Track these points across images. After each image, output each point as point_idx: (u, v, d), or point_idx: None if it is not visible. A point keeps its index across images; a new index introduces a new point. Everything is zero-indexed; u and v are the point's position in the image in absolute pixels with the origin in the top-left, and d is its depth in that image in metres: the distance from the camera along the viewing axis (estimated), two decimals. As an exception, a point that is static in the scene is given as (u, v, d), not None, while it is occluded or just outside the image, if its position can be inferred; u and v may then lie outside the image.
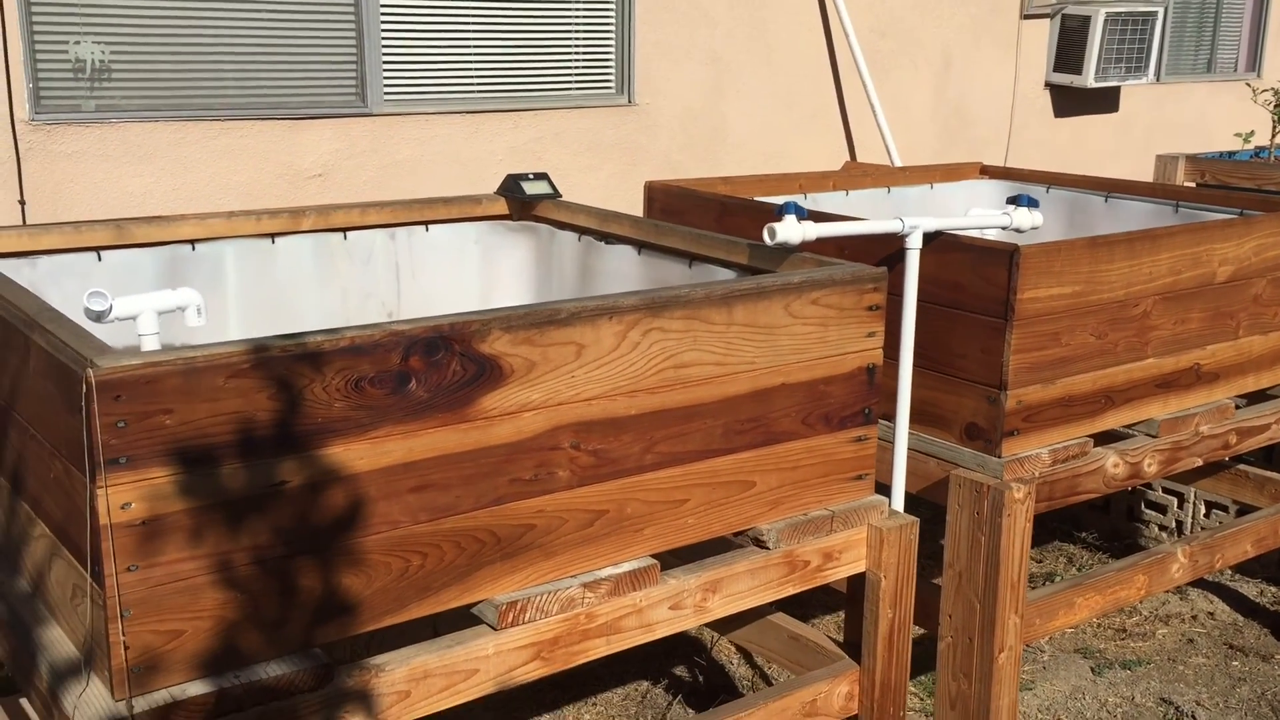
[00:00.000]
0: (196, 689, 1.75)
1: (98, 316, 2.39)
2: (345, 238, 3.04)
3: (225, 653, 1.79)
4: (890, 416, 2.76)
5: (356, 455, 1.84)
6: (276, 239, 2.94)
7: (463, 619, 2.07)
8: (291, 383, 1.76)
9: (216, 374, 1.70)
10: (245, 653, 1.81)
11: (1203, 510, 4.36)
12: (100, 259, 2.71)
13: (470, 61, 4.43)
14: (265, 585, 1.80)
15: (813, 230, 2.52)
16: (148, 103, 3.79)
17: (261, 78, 3.99)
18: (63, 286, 2.63)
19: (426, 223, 3.17)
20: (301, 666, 1.83)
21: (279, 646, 1.83)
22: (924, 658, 3.28)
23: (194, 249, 2.83)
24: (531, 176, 3.23)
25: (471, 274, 3.25)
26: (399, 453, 1.88)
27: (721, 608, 2.32)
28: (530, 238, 3.23)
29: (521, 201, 3.25)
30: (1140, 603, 4.05)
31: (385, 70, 4.21)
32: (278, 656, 1.84)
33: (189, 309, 2.57)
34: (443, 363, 1.89)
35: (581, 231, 3.06)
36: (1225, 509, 4.26)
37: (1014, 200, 2.90)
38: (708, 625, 3.42)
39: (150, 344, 2.33)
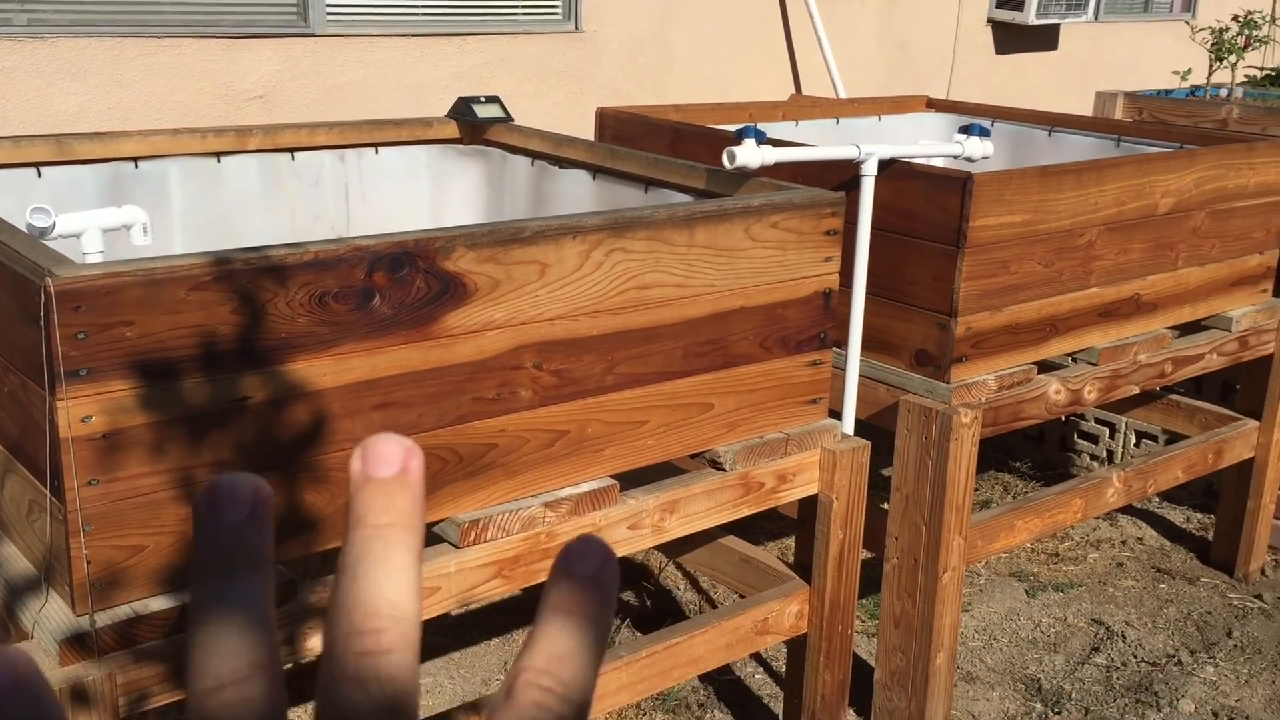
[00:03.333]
0: (159, 604, 1.74)
1: (40, 234, 2.32)
2: (293, 158, 2.98)
3: (187, 568, 1.77)
4: (842, 343, 2.79)
5: (320, 371, 1.82)
6: (222, 158, 2.87)
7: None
8: (254, 296, 1.74)
9: (178, 286, 1.67)
10: (208, 569, 1.79)
11: (1133, 440, 4.48)
12: (40, 175, 2.63)
13: (414, -17, 4.34)
14: (228, 501, 1.78)
15: (772, 155, 2.53)
16: (81, 18, 3.66)
17: (199, -6, 3.88)
18: (1, 203, 2.55)
19: (376, 145, 3.11)
20: (265, 583, 1.82)
21: (242, 563, 1.82)
22: (865, 581, 3.35)
23: (137, 167, 2.76)
24: (483, 99, 3.18)
25: (422, 198, 3.21)
26: (362, 369, 1.86)
27: (678, 528, 2.34)
28: (482, 162, 3.19)
29: (473, 125, 3.20)
30: (1072, 528, 4.17)
31: (327, -10, 4.11)
32: (240, 573, 1.82)
33: (135, 227, 2.52)
34: (407, 279, 1.87)
35: (534, 156, 3.03)
36: (1154, 439, 4.38)
37: (966, 130, 2.92)
38: (658, 549, 3.46)
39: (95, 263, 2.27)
